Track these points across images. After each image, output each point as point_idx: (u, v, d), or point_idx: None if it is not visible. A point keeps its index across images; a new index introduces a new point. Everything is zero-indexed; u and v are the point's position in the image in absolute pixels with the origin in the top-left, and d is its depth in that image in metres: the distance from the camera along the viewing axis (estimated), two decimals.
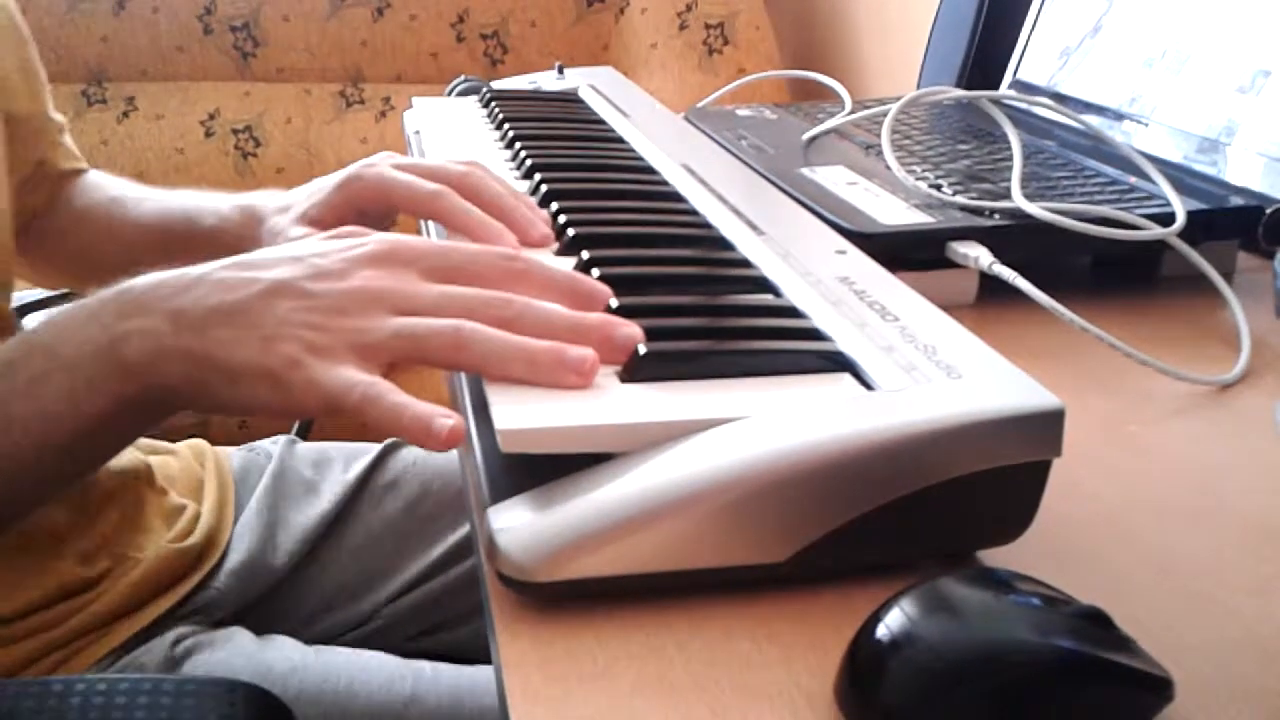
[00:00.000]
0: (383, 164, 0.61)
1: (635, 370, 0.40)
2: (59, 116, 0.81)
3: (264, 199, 0.68)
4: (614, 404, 0.39)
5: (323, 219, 0.62)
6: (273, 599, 0.77)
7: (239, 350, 0.42)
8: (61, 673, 0.63)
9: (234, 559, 0.75)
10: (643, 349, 0.40)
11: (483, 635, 0.38)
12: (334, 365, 0.41)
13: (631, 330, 0.41)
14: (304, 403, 0.41)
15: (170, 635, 0.67)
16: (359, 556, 0.82)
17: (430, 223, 0.60)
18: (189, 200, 0.74)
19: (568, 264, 0.52)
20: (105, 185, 0.80)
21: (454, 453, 0.46)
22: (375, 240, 0.46)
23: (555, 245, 0.55)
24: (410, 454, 0.87)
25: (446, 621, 0.82)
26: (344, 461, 0.85)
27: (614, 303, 0.45)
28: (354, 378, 0.40)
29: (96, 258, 0.78)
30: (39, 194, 0.78)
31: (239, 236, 0.68)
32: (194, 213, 0.72)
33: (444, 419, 0.39)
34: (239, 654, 0.67)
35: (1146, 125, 0.80)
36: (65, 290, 0.91)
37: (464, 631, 0.81)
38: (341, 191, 0.61)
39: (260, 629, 0.71)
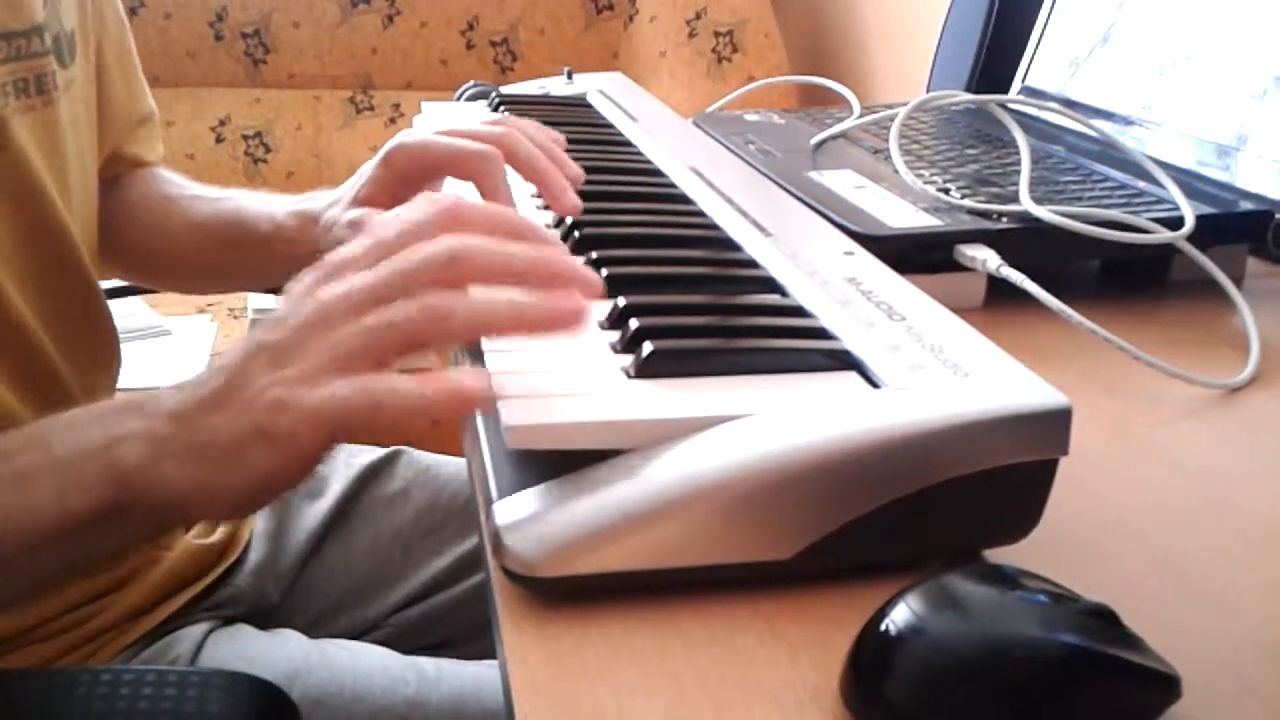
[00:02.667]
0: (423, 130, 0.61)
1: (643, 367, 0.40)
2: (148, 107, 0.82)
3: (317, 201, 0.69)
4: (621, 400, 0.39)
5: (372, 197, 0.61)
6: (283, 599, 0.78)
7: (226, 427, 0.39)
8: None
9: (253, 557, 0.76)
10: (650, 346, 0.40)
11: (491, 646, 0.37)
12: (318, 389, 0.38)
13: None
14: (303, 444, 0.38)
15: (192, 630, 0.68)
16: (366, 561, 0.82)
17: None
18: (242, 202, 0.75)
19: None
20: (163, 180, 0.81)
21: (464, 459, 0.46)
22: (313, 268, 0.43)
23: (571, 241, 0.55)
24: (422, 460, 0.88)
25: (455, 636, 0.82)
26: (346, 455, 0.86)
27: (622, 301, 0.45)
28: (347, 385, 0.38)
29: (142, 251, 0.79)
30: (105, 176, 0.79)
31: (294, 241, 0.68)
32: (248, 217, 0.73)
33: (473, 380, 0.37)
34: (244, 649, 0.68)
35: (1155, 131, 0.80)
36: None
37: (475, 647, 0.81)
38: (385, 165, 0.61)
39: (269, 629, 0.72)
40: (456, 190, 0.58)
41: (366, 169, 0.63)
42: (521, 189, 0.62)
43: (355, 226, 0.59)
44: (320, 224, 0.65)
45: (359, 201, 0.62)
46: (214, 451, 0.39)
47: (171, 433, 0.40)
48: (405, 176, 0.60)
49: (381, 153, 0.61)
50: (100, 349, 0.72)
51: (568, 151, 0.69)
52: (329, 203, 0.66)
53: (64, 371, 0.65)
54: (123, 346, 0.74)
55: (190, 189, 0.80)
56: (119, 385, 0.75)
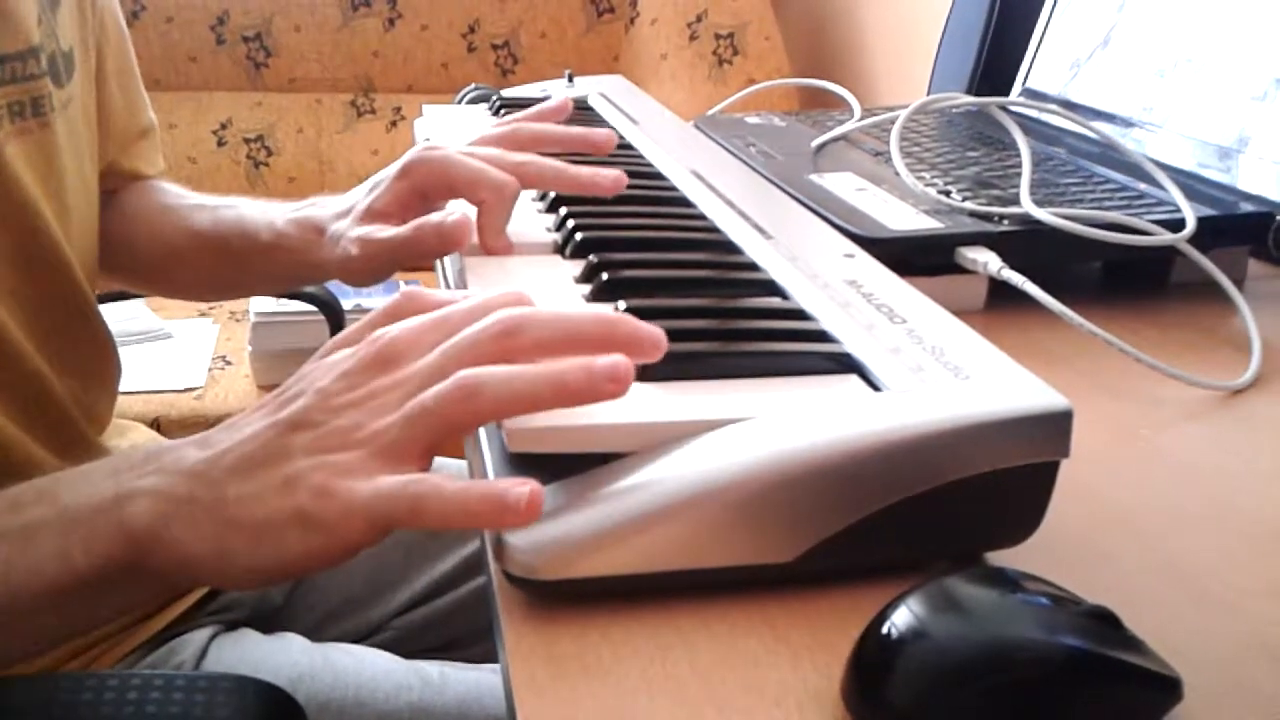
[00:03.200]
0: (444, 147, 0.60)
1: (643, 370, 0.40)
2: (148, 119, 0.82)
3: (319, 209, 0.67)
4: (622, 404, 0.39)
5: (388, 210, 0.60)
6: (285, 602, 0.78)
7: (260, 504, 0.37)
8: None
9: None
10: None
11: (493, 649, 0.37)
12: (366, 481, 0.37)
13: (654, 330, 0.38)
14: (346, 535, 0.37)
15: (195, 635, 0.67)
16: (367, 565, 0.82)
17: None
18: (243, 211, 0.73)
19: (576, 269, 0.52)
20: (162, 191, 0.81)
21: (465, 461, 0.45)
22: (367, 341, 0.41)
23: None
24: None
25: (458, 640, 0.82)
26: None
27: (622, 304, 0.45)
28: (393, 482, 0.36)
29: (144, 262, 0.78)
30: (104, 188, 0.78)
31: (296, 250, 0.67)
32: (249, 226, 0.71)
33: (519, 487, 0.35)
34: (248, 654, 0.68)
35: (1156, 133, 0.80)
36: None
37: (477, 650, 0.81)
38: (405, 178, 0.59)
39: (271, 633, 0.72)
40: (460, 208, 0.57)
41: (384, 178, 0.61)
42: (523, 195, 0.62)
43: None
44: (327, 235, 0.63)
45: (372, 213, 0.60)
46: (246, 525, 0.37)
47: (189, 493, 0.38)
48: (423, 191, 0.59)
49: (401, 163, 0.60)
50: (98, 366, 0.71)
51: (569, 153, 0.69)
52: (336, 213, 0.64)
53: (60, 392, 0.65)
54: (124, 350, 0.74)
55: (190, 198, 0.79)
56: (119, 389, 0.75)
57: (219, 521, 0.38)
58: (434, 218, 0.55)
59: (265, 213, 0.71)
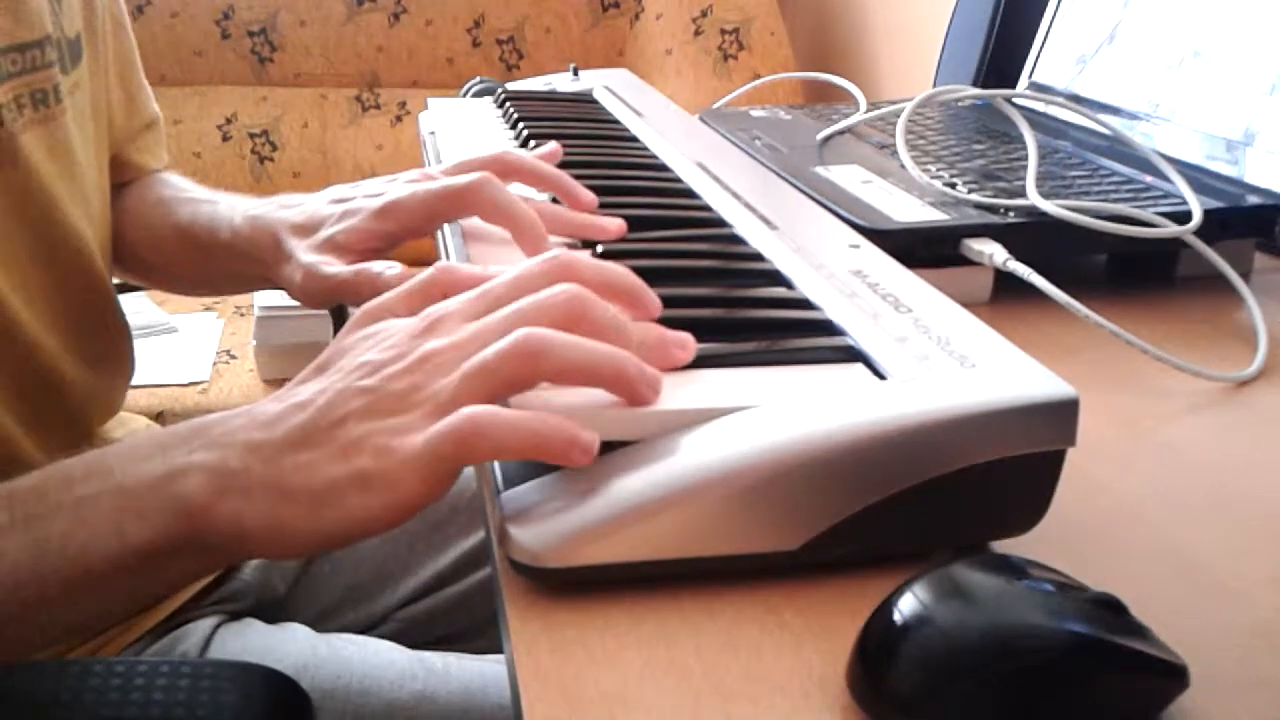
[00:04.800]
0: (416, 187, 0.59)
1: None
2: (152, 112, 0.81)
3: (281, 213, 0.65)
4: None
5: (350, 246, 0.59)
6: (289, 592, 0.78)
7: (318, 471, 0.37)
8: None
9: None
10: None
11: (497, 641, 0.37)
12: (421, 434, 0.37)
13: (687, 342, 0.40)
14: (409, 489, 0.37)
15: (200, 624, 0.68)
16: (371, 555, 0.82)
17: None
18: (218, 207, 0.72)
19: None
20: (163, 184, 0.80)
21: None
22: (421, 315, 0.42)
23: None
24: None
25: (462, 631, 0.82)
26: None
27: None
28: (445, 423, 0.36)
29: (134, 254, 0.78)
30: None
31: (248, 253, 0.66)
32: (215, 221, 0.71)
33: (588, 431, 0.36)
34: (253, 643, 0.68)
35: (1163, 126, 0.79)
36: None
37: (481, 642, 0.81)
38: (381, 217, 0.58)
39: (276, 623, 0.72)
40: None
41: (360, 211, 0.60)
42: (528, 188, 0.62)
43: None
44: (282, 248, 0.62)
45: (334, 245, 0.59)
46: (303, 493, 0.37)
47: (245, 467, 0.38)
48: (395, 234, 0.59)
49: (380, 204, 0.59)
50: (115, 360, 0.71)
51: (574, 145, 0.69)
52: (295, 224, 0.63)
53: (73, 386, 0.65)
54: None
55: (186, 192, 0.78)
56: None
57: (275, 492, 0.38)
58: (376, 266, 0.55)
59: (233, 209, 0.70)
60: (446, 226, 0.59)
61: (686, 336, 0.41)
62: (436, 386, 0.38)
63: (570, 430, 0.36)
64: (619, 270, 0.43)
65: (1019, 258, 0.60)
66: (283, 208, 0.66)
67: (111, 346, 0.71)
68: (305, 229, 0.62)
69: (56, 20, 0.64)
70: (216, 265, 0.71)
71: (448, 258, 0.62)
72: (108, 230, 0.71)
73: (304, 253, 0.60)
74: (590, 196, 0.59)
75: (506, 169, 0.59)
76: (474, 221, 0.57)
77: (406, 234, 0.59)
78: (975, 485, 0.37)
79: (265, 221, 0.65)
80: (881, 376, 0.40)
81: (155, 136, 0.82)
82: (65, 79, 0.65)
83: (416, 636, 0.80)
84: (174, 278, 0.79)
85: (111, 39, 0.75)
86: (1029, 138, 0.69)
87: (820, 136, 0.83)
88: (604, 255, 0.50)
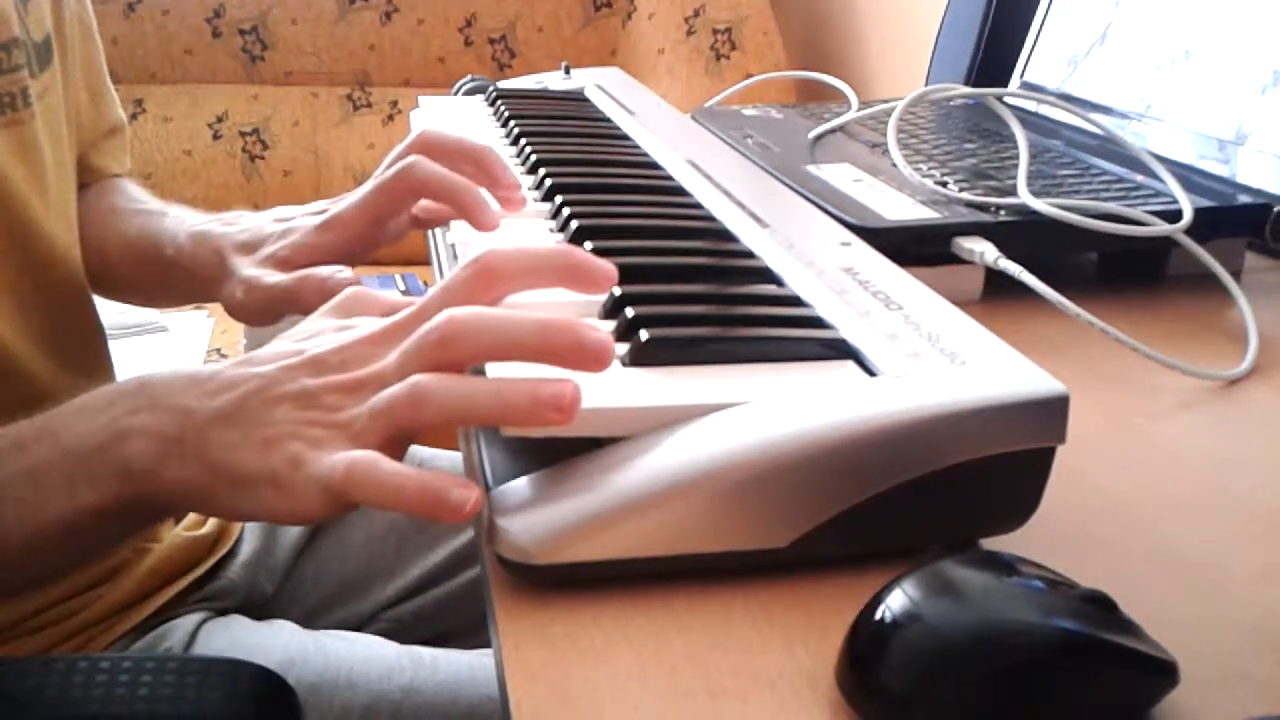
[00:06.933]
0: (354, 196, 0.59)
1: (638, 355, 0.40)
2: (116, 117, 0.81)
3: (226, 229, 0.65)
4: (616, 388, 0.39)
5: (294, 261, 0.59)
6: (277, 591, 0.78)
7: (241, 455, 0.40)
8: None
9: (246, 549, 0.75)
10: (646, 334, 0.40)
11: (486, 641, 0.37)
12: (330, 456, 0.38)
13: (602, 336, 0.37)
14: (306, 503, 0.39)
15: (184, 621, 0.67)
16: (361, 555, 0.82)
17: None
18: (166, 220, 0.72)
19: None
20: (118, 193, 0.79)
21: (461, 452, 0.45)
22: (386, 323, 0.42)
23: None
24: (417, 454, 0.87)
25: (450, 631, 0.82)
26: None
27: (617, 290, 0.45)
28: (342, 456, 0.38)
29: (86, 261, 0.77)
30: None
31: (190, 270, 0.66)
32: (161, 236, 0.70)
33: (462, 490, 0.36)
34: (238, 639, 0.68)
35: (1155, 126, 0.79)
36: None
37: (470, 642, 0.81)
38: (322, 233, 0.59)
39: (263, 620, 0.71)
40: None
41: (301, 228, 0.60)
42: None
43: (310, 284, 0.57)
44: (225, 265, 0.62)
45: (275, 260, 0.60)
46: (224, 472, 0.40)
47: (178, 434, 0.40)
48: (350, 237, 0.59)
49: (324, 219, 0.60)
50: (91, 362, 0.70)
51: (565, 143, 0.69)
52: (240, 242, 0.63)
53: (51, 388, 0.64)
54: (119, 343, 0.73)
55: (137, 203, 0.77)
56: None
57: (203, 463, 0.40)
58: (321, 271, 0.56)
59: (179, 224, 0.70)
60: (437, 229, 0.59)
61: (605, 345, 0.37)
62: (354, 413, 0.39)
63: (440, 491, 0.36)
64: (556, 252, 0.42)
65: (1010, 256, 0.60)
66: (227, 225, 0.66)
67: (87, 349, 0.70)
68: (248, 246, 0.63)
69: (23, 23, 0.63)
70: (158, 278, 0.71)
71: (438, 260, 0.62)
72: (77, 233, 0.70)
73: (245, 268, 0.60)
74: (513, 178, 0.58)
75: (427, 146, 0.58)
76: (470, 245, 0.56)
77: (351, 243, 0.59)
78: (965, 482, 0.37)
79: (209, 238, 0.66)
80: (872, 373, 0.40)
81: (119, 142, 0.81)
82: (34, 82, 0.64)
83: (404, 637, 0.80)
84: (115, 286, 0.77)
85: (82, 36, 0.74)
86: (1020, 137, 0.69)
87: (812, 135, 0.83)
88: (594, 253, 0.50)
